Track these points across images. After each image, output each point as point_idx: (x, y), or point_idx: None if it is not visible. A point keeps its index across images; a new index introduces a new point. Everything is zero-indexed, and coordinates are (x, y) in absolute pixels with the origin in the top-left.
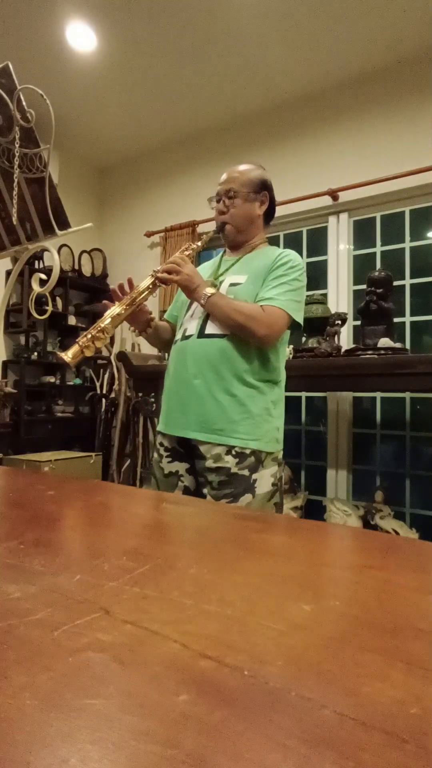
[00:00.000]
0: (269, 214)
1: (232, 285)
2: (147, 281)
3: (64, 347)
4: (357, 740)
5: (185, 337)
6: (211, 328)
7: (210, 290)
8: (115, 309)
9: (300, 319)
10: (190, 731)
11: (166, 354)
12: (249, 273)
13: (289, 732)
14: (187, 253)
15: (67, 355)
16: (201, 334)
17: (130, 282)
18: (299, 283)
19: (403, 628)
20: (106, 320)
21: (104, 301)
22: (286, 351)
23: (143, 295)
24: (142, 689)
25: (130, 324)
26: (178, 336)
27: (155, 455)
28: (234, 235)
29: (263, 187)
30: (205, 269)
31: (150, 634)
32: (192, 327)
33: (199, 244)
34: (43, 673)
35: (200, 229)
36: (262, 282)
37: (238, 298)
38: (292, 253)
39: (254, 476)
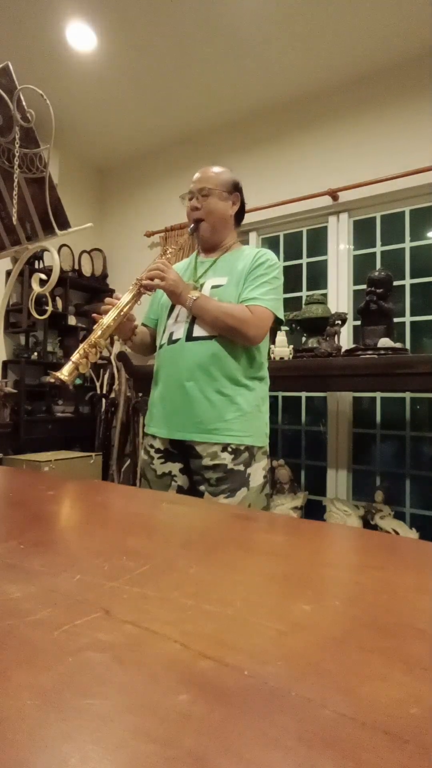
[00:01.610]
0: (239, 217)
1: (214, 287)
2: (131, 290)
3: (65, 347)
4: (357, 740)
5: (172, 341)
6: (198, 331)
7: (195, 294)
8: (103, 322)
9: (282, 316)
10: (190, 731)
11: None
12: (229, 274)
13: (289, 732)
14: (166, 257)
15: (63, 374)
16: (189, 337)
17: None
18: (278, 281)
19: (403, 628)
20: (96, 334)
21: (93, 315)
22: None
23: (129, 304)
24: (142, 689)
25: (116, 334)
26: (164, 340)
27: (145, 457)
28: (209, 233)
29: (235, 188)
30: (179, 270)
31: (150, 634)
32: (179, 331)
33: (176, 247)
34: (43, 673)
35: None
36: (243, 282)
37: (222, 300)
38: (268, 252)
39: (248, 470)
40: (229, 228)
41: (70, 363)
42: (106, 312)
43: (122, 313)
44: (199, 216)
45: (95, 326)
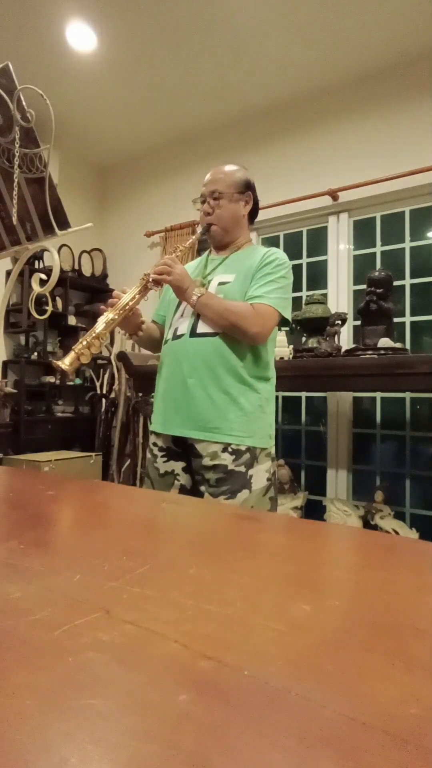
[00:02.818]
0: (253, 214)
1: (221, 284)
2: (138, 285)
3: (64, 347)
4: (357, 740)
5: (176, 337)
6: (203, 327)
7: (200, 290)
8: (108, 314)
9: (288, 315)
10: (190, 731)
11: None
12: (237, 272)
13: (289, 732)
14: (176, 254)
15: (65, 363)
16: (193, 333)
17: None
18: (286, 280)
19: (403, 628)
20: (99, 326)
21: (101, 306)
22: (275, 347)
23: (135, 299)
24: (142, 689)
25: (122, 328)
26: (169, 336)
27: (149, 455)
28: (220, 235)
29: (247, 188)
30: (191, 269)
31: (150, 634)
32: (183, 326)
33: (187, 245)
34: (43, 673)
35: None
36: (250, 280)
37: (227, 297)
38: (278, 252)
39: (250, 472)
40: (242, 227)
41: (72, 353)
42: (112, 305)
43: (127, 307)
44: (211, 221)
45: (100, 318)
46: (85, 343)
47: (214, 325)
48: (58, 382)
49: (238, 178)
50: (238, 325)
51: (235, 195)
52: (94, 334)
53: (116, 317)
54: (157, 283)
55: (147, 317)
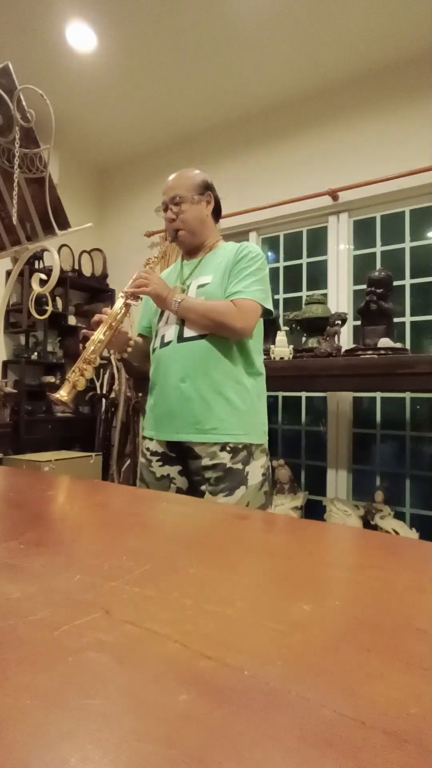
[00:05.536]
0: (217, 213)
1: (200, 286)
2: (119, 303)
3: (64, 347)
4: (357, 740)
5: (164, 344)
6: (189, 331)
7: (180, 296)
8: (95, 337)
9: (270, 306)
10: (190, 731)
11: None
12: (214, 272)
13: (289, 732)
14: (149, 266)
15: (62, 395)
16: (180, 338)
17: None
18: (262, 272)
19: (403, 628)
20: (88, 350)
21: (83, 331)
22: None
23: (119, 318)
24: (142, 689)
25: (110, 348)
26: (156, 344)
27: (142, 460)
28: (189, 239)
29: (206, 188)
30: (165, 276)
31: (150, 634)
32: (170, 333)
33: (157, 255)
34: (43, 673)
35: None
36: (227, 277)
37: (208, 298)
38: (250, 245)
39: (247, 468)
40: (209, 228)
41: (67, 383)
42: (95, 328)
43: (112, 326)
44: (176, 226)
45: (87, 343)
46: (77, 371)
47: (199, 327)
48: (58, 382)
49: (196, 180)
50: (223, 322)
51: (196, 197)
52: (84, 360)
53: (103, 338)
54: (136, 296)
55: (132, 332)
